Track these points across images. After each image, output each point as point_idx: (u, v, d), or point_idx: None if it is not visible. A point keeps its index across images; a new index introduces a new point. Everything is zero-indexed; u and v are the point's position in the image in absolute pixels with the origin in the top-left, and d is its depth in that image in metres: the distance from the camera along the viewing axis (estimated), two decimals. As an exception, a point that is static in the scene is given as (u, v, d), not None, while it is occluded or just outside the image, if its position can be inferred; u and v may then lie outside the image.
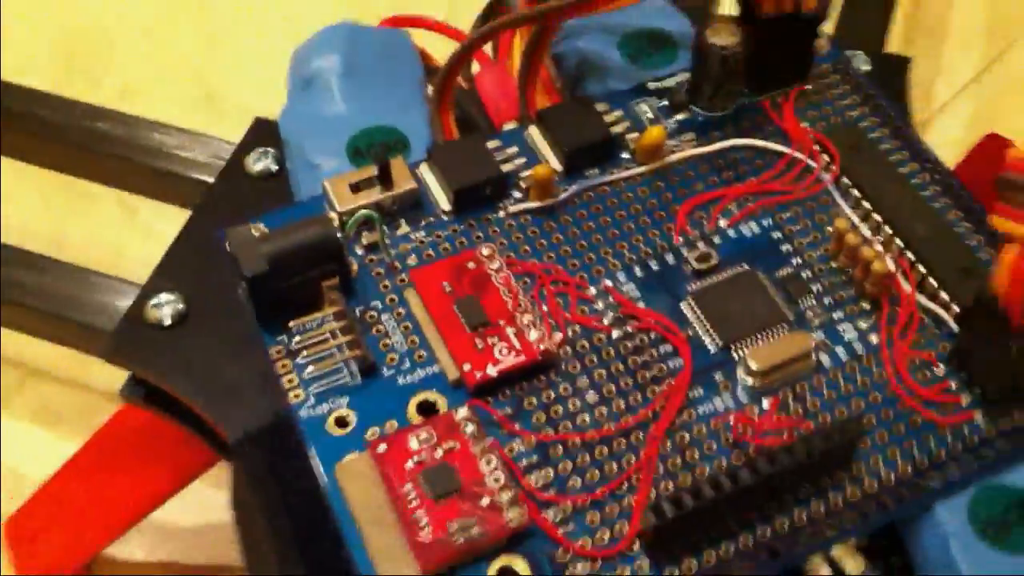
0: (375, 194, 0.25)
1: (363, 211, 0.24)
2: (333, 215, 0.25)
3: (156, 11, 0.48)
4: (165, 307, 0.26)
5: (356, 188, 0.25)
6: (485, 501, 0.21)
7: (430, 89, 0.28)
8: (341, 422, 0.23)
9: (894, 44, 0.47)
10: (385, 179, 0.25)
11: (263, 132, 0.29)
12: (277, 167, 0.29)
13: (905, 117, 0.29)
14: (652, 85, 0.28)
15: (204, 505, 0.34)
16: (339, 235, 0.23)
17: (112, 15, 0.48)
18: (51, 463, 0.32)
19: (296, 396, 0.23)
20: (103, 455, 0.32)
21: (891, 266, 0.24)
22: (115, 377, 0.28)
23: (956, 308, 0.23)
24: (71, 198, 0.41)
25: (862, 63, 0.30)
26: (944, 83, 0.46)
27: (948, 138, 0.44)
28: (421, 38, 0.32)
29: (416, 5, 0.33)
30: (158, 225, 0.38)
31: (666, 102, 0.28)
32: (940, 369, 0.23)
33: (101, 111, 0.34)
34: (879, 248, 0.24)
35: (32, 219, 0.41)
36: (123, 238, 0.41)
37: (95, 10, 0.48)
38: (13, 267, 0.32)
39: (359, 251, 0.25)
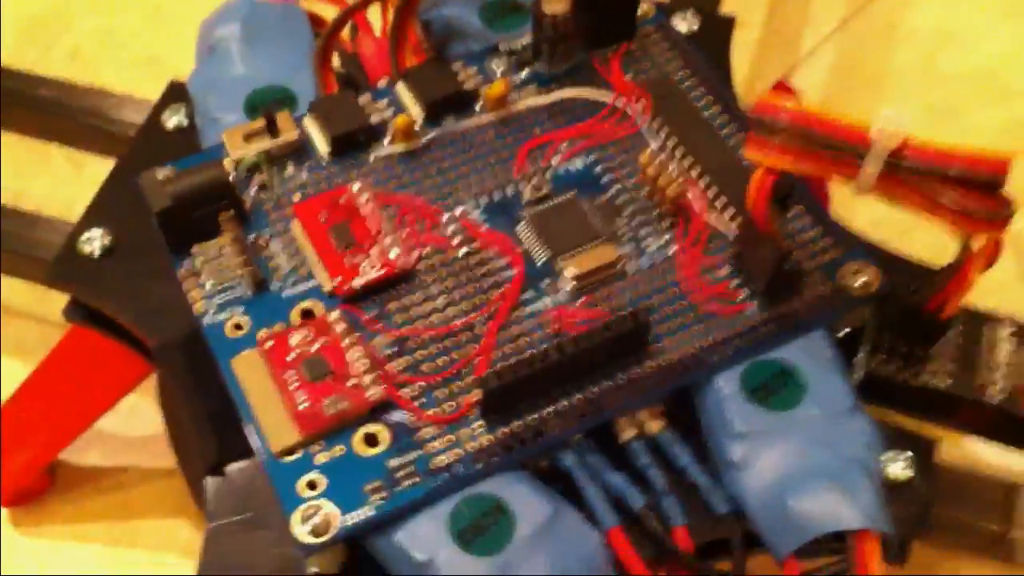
0: (264, 143, 0.30)
1: (252, 157, 0.29)
2: (228, 160, 0.30)
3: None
4: (95, 241, 0.31)
5: (248, 138, 0.30)
6: (352, 382, 0.26)
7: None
8: (237, 326, 0.28)
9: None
10: (272, 129, 0.30)
11: (177, 92, 0.34)
12: (188, 122, 0.33)
13: (720, 69, 0.34)
14: (503, 46, 0.33)
15: (147, 415, 0.38)
16: (231, 176, 0.29)
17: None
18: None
19: (200, 307, 0.28)
20: (54, 372, 0.37)
21: (682, 190, 0.29)
22: None
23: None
24: (30, 157, 0.46)
25: (690, 23, 0.35)
26: (811, 32, 0.51)
27: (812, 82, 0.49)
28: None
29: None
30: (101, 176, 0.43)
31: (514, 60, 0.32)
32: (723, 271, 0.28)
33: (52, 81, 0.39)
34: (676, 176, 0.29)
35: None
36: (73, 190, 0.46)
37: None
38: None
39: (253, 189, 0.30)
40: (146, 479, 0.39)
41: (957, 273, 0.26)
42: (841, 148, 0.24)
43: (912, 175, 0.24)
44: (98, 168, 0.44)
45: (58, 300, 0.36)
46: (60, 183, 0.46)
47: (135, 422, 0.39)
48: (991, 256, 0.26)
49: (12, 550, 0.38)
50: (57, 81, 0.39)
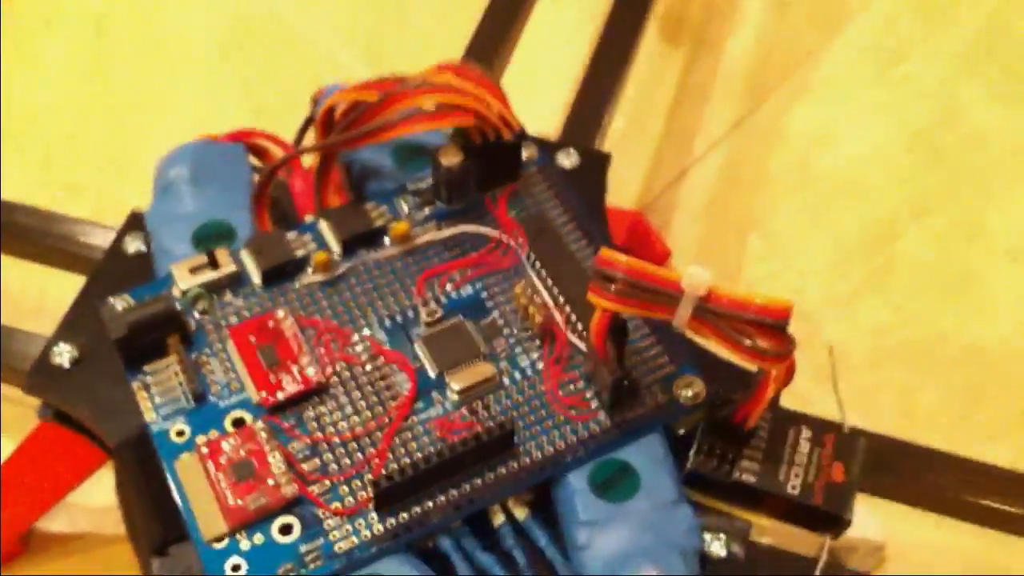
0: (207, 274, 0.36)
1: (195, 289, 0.35)
2: (177, 291, 0.35)
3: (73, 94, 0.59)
4: (64, 354, 0.36)
5: (193, 270, 0.36)
6: (271, 481, 0.32)
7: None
8: (180, 432, 0.33)
9: (662, 106, 0.58)
10: (213, 263, 0.36)
11: (136, 221, 0.39)
12: (146, 248, 0.38)
13: (595, 198, 0.40)
14: (410, 186, 0.38)
15: (108, 490, 0.44)
16: (178, 306, 0.35)
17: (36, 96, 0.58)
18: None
19: (150, 416, 0.34)
20: (26, 459, 0.41)
21: (548, 316, 0.35)
22: None
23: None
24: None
25: (571, 158, 0.41)
26: (703, 136, 0.57)
27: (701, 183, 0.56)
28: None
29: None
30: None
31: (419, 199, 0.38)
32: (580, 384, 0.34)
33: (20, 207, 0.44)
34: (544, 304, 0.35)
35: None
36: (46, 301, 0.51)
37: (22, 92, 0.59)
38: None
39: (196, 314, 0.35)
40: (106, 544, 0.43)
41: (756, 393, 0.32)
42: (661, 295, 0.31)
43: (717, 317, 0.31)
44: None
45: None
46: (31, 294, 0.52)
47: (96, 493, 0.44)
48: (785, 379, 0.32)
49: (-8, 607, 0.43)
50: (30, 208, 0.45)
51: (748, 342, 0.30)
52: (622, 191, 0.43)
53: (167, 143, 0.40)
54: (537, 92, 0.38)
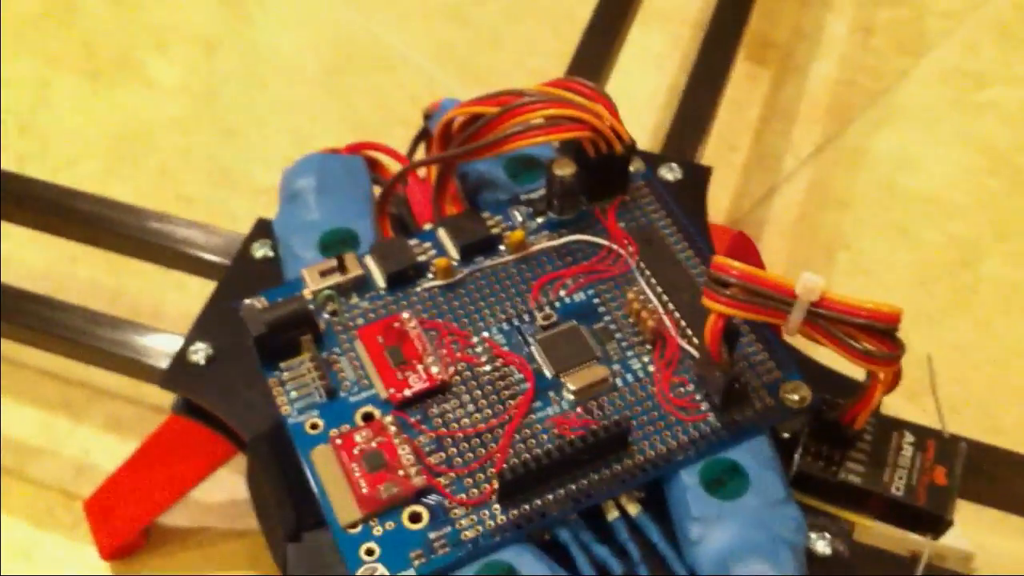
0: (335, 278, 0.38)
1: (326, 291, 0.37)
2: (308, 293, 0.38)
3: (185, 111, 0.62)
4: (200, 352, 0.38)
5: (323, 274, 0.38)
6: (401, 472, 0.34)
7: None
8: (314, 426, 0.35)
9: (750, 126, 0.60)
10: (341, 267, 0.38)
11: (262, 228, 0.42)
12: (273, 254, 0.41)
13: (697, 209, 0.42)
14: (523, 197, 0.40)
15: (229, 486, 0.46)
16: (311, 307, 0.37)
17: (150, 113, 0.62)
18: (119, 459, 0.44)
19: (286, 410, 0.36)
20: (154, 452, 0.43)
21: (659, 321, 0.37)
22: (160, 393, 0.40)
23: (704, 347, 0.36)
24: (128, 272, 0.54)
25: (674, 172, 0.43)
26: (791, 156, 0.59)
27: (789, 201, 0.57)
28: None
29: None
30: (188, 281, 0.51)
31: (531, 209, 0.40)
32: (690, 387, 0.36)
33: (148, 212, 0.47)
34: (655, 310, 0.37)
35: (97, 279, 0.54)
36: (162, 289, 0.54)
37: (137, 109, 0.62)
38: (87, 323, 0.45)
39: (326, 315, 0.38)
40: (223, 538, 0.46)
41: (864, 395, 0.33)
42: (774, 300, 0.32)
43: (828, 322, 0.32)
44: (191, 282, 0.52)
45: (148, 385, 0.43)
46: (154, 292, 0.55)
47: (215, 491, 0.47)
48: (892, 383, 0.33)
49: (113, 597, 0.45)
50: (159, 213, 0.48)
51: (859, 346, 0.31)
52: (713, 207, 0.44)
53: (273, 159, 0.43)
54: (630, 113, 0.40)
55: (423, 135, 0.44)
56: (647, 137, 0.54)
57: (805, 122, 0.59)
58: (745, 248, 0.43)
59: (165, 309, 0.52)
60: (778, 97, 0.60)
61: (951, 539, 0.43)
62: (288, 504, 0.35)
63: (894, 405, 0.37)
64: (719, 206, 0.55)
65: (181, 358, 0.39)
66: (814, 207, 0.56)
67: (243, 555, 0.46)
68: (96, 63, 0.64)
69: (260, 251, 0.41)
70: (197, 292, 0.43)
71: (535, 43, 0.63)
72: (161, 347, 0.43)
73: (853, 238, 0.55)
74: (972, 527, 0.45)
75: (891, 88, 0.61)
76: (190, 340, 0.39)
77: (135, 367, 0.44)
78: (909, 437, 0.35)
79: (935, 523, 0.34)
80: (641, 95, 0.57)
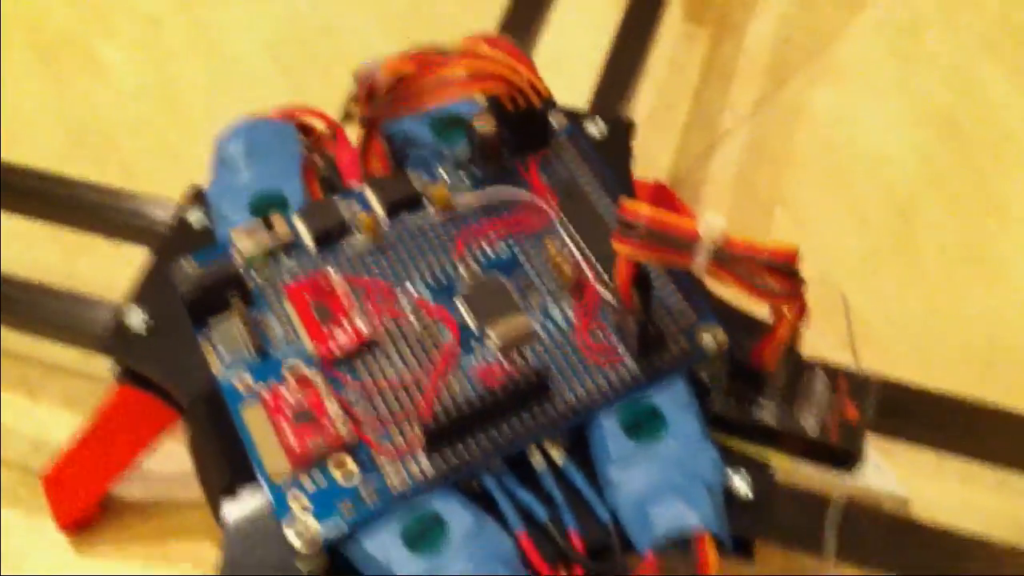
0: (263, 238, 0.39)
1: (254, 252, 0.38)
2: (236, 254, 0.39)
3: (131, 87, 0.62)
4: (138, 318, 0.39)
5: (251, 234, 0.39)
6: (328, 426, 0.35)
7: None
8: (244, 383, 0.36)
9: (689, 85, 0.60)
10: (269, 228, 0.39)
11: (197, 195, 0.42)
12: (207, 220, 0.41)
13: (621, 164, 0.42)
14: (448, 154, 0.41)
15: (182, 456, 0.45)
16: (239, 268, 0.38)
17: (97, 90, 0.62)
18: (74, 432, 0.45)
19: (216, 368, 0.37)
20: (102, 425, 0.44)
21: (578, 270, 0.38)
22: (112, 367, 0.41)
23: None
24: (79, 251, 0.54)
25: (599, 127, 0.43)
26: (729, 114, 0.59)
27: (727, 159, 0.58)
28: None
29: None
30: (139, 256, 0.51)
31: (456, 166, 0.41)
32: (609, 334, 0.37)
33: (89, 185, 0.48)
34: (574, 259, 0.38)
35: (50, 260, 0.54)
36: (115, 267, 0.54)
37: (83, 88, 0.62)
38: (34, 295, 0.46)
39: (254, 275, 0.38)
40: (179, 509, 0.47)
41: (771, 333, 0.34)
42: (679, 242, 0.33)
43: (733, 262, 0.33)
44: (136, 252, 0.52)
45: (101, 360, 0.44)
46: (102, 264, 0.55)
47: (170, 462, 0.47)
48: (797, 320, 0.34)
49: (70, 567, 0.45)
50: (97, 186, 0.48)
51: (761, 283, 0.32)
52: (651, 167, 0.45)
53: (219, 131, 0.43)
54: (565, 72, 0.41)
55: (353, 98, 0.45)
56: (583, 98, 0.55)
57: (743, 80, 0.60)
58: (666, 199, 0.43)
59: (117, 286, 0.53)
60: (716, 56, 0.61)
61: (885, 485, 0.44)
62: (223, 462, 0.36)
63: (827, 355, 0.38)
64: (659, 165, 0.56)
65: (119, 325, 0.39)
66: (752, 164, 0.56)
67: (200, 524, 0.46)
68: (43, 42, 0.64)
69: (194, 217, 0.42)
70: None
71: (473, 7, 0.63)
72: (103, 316, 0.43)
73: (792, 194, 0.55)
74: (907, 473, 0.46)
75: (828, 44, 0.61)
76: (127, 307, 0.39)
77: (82, 337, 0.44)
78: (822, 376, 0.36)
79: (848, 459, 0.35)
80: (577, 56, 0.57)
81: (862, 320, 0.39)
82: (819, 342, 0.39)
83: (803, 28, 0.62)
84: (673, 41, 0.60)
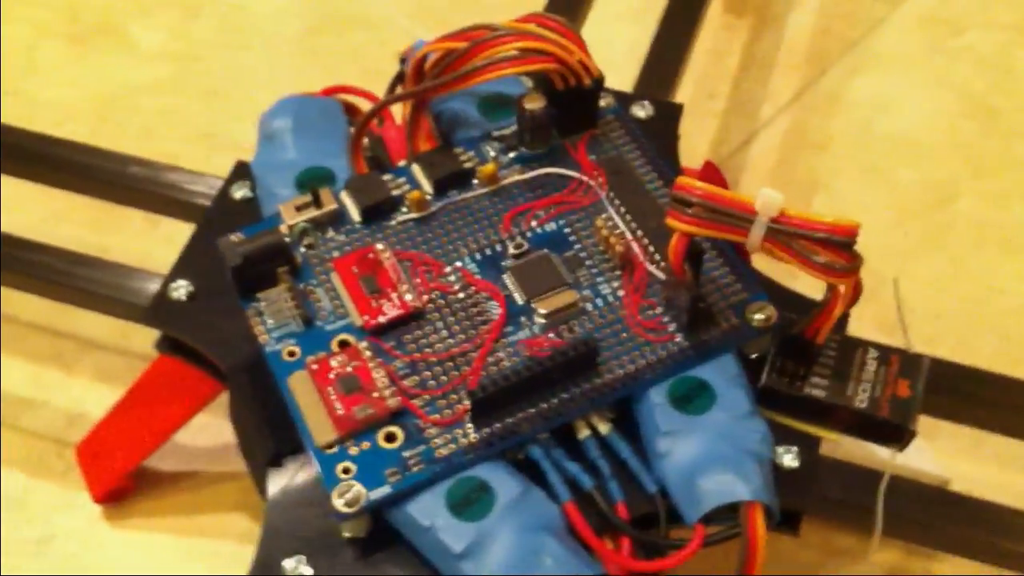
0: (311, 212, 0.39)
1: (301, 224, 0.38)
2: (284, 228, 0.38)
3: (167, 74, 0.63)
4: (181, 289, 0.39)
5: (299, 208, 0.39)
6: (375, 394, 0.35)
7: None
8: (291, 353, 0.36)
9: (729, 74, 0.60)
10: (317, 202, 0.39)
11: (241, 170, 0.42)
12: (252, 194, 0.41)
13: (668, 146, 0.42)
14: (495, 133, 0.41)
15: (216, 430, 0.47)
16: (286, 240, 0.38)
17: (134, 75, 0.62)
18: (108, 408, 0.46)
19: (263, 339, 0.37)
20: (141, 395, 0.45)
21: (628, 247, 0.37)
22: (148, 343, 0.41)
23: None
24: (112, 218, 0.55)
25: (645, 109, 0.43)
26: (769, 103, 0.59)
27: (767, 146, 0.58)
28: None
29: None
30: (175, 235, 0.52)
31: (503, 145, 0.41)
32: (658, 310, 0.37)
33: (132, 158, 0.48)
34: (624, 236, 0.38)
35: (84, 235, 0.55)
36: (148, 244, 0.55)
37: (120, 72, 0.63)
38: (73, 265, 0.47)
39: (302, 248, 0.38)
40: (212, 482, 0.48)
41: (825, 309, 0.34)
42: (735, 217, 0.33)
43: (788, 237, 0.33)
44: (170, 227, 0.53)
45: (135, 335, 0.44)
46: (136, 238, 0.55)
47: (203, 436, 0.48)
48: (852, 296, 0.34)
49: (103, 539, 0.46)
50: (141, 159, 0.49)
51: (819, 258, 0.32)
52: (692, 155, 0.45)
53: (254, 118, 0.43)
54: (604, 61, 0.40)
55: (400, 78, 0.45)
56: (624, 86, 0.55)
57: (783, 70, 0.60)
58: (715, 179, 0.43)
59: (152, 261, 0.53)
60: (756, 46, 0.61)
61: (926, 465, 0.44)
62: (267, 432, 0.36)
63: (868, 337, 0.38)
64: (698, 152, 0.56)
65: (162, 295, 0.39)
66: (792, 151, 0.56)
67: (232, 497, 0.47)
68: (80, 28, 0.64)
69: (239, 192, 0.42)
70: (183, 243, 0.44)
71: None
72: (146, 287, 0.44)
73: (830, 180, 0.55)
74: (947, 455, 0.46)
75: (867, 35, 0.61)
76: (171, 277, 0.40)
77: (120, 307, 0.44)
78: (873, 353, 0.36)
79: (899, 434, 0.35)
80: (618, 47, 0.58)
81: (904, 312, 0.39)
82: (859, 327, 0.39)
83: (842, 18, 0.62)
84: (714, 32, 0.60)
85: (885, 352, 0.36)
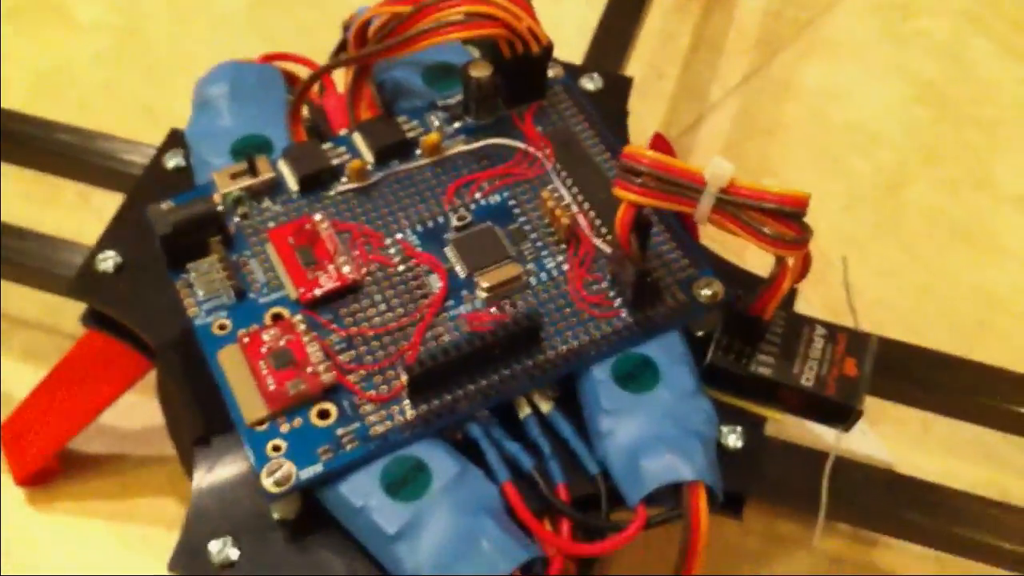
0: (246, 180, 0.37)
1: (235, 193, 0.37)
2: (217, 196, 0.37)
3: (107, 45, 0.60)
4: (109, 261, 0.37)
5: (234, 176, 0.37)
6: (309, 369, 0.33)
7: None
8: (222, 327, 0.35)
9: (679, 55, 0.59)
10: (253, 170, 0.37)
11: (175, 139, 0.41)
12: (185, 163, 0.40)
13: (617, 120, 0.41)
14: (440, 102, 0.40)
15: (145, 411, 0.45)
16: (219, 209, 0.36)
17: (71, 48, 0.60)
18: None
19: (193, 311, 0.35)
20: (67, 373, 0.43)
21: (574, 220, 0.36)
22: (77, 322, 0.39)
23: (617, 247, 0.36)
24: (43, 188, 0.53)
25: (595, 82, 0.42)
26: (718, 86, 0.59)
27: (716, 130, 0.57)
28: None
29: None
30: (108, 208, 0.50)
31: (448, 114, 0.40)
32: (604, 284, 0.36)
33: (63, 126, 0.46)
34: (570, 208, 0.37)
35: (14, 207, 0.53)
36: (80, 217, 0.53)
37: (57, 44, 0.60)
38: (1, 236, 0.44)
39: (236, 218, 0.37)
40: (140, 465, 0.46)
41: (774, 283, 0.33)
42: (684, 187, 0.32)
43: (737, 208, 0.32)
44: (102, 199, 0.51)
45: (66, 313, 0.42)
46: (69, 211, 0.53)
47: (132, 417, 0.46)
48: (802, 270, 0.33)
49: (27, 523, 0.44)
50: (72, 127, 0.47)
51: (768, 230, 0.31)
52: (640, 136, 0.44)
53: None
54: (556, 37, 0.39)
55: (343, 46, 0.43)
56: (573, 60, 0.54)
57: (733, 52, 0.59)
58: (664, 150, 0.42)
59: (84, 234, 0.51)
60: (707, 27, 0.60)
61: (873, 450, 0.43)
62: (196, 410, 0.35)
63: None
64: (647, 132, 0.54)
65: (89, 266, 0.38)
66: (741, 136, 0.56)
67: (161, 480, 0.45)
68: (16, 1, 0.62)
69: (172, 161, 0.40)
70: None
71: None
72: (74, 259, 0.42)
73: (780, 166, 0.55)
74: (894, 442, 0.46)
75: (818, 19, 0.61)
76: (98, 248, 0.38)
77: (47, 279, 0.42)
78: (820, 331, 0.35)
79: (845, 413, 0.34)
80: (568, 19, 0.57)
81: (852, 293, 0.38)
82: (807, 310, 0.38)
83: (794, 2, 0.61)
84: (664, 12, 0.59)
85: (832, 330, 0.35)
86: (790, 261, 0.32)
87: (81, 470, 0.45)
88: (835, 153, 0.55)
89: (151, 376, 0.41)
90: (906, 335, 0.49)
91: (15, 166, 0.48)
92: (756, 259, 0.36)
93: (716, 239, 0.37)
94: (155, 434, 0.46)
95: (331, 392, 0.33)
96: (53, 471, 0.45)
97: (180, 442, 0.38)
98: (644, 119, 0.55)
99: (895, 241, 0.53)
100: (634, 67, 0.55)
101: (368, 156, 0.38)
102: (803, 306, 0.37)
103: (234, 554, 0.32)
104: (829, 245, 0.52)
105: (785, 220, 0.31)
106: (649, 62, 0.57)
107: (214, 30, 0.61)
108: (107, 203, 0.47)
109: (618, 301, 0.35)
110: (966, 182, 0.55)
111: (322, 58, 0.43)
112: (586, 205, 0.37)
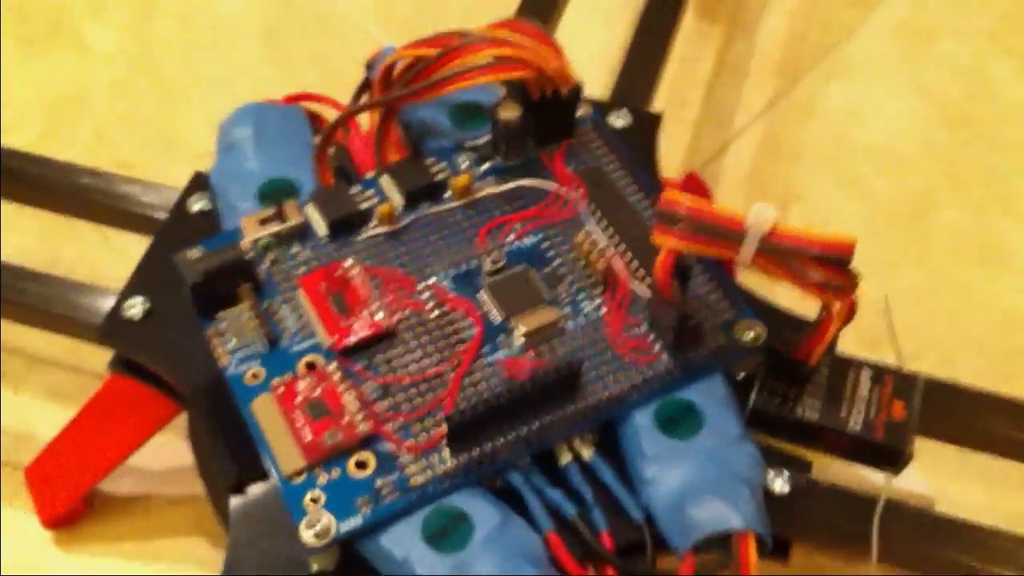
0: (275, 226, 0.37)
1: (264, 239, 0.36)
2: (246, 243, 0.37)
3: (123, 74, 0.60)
4: (136, 307, 0.37)
5: (262, 223, 0.37)
6: (345, 419, 0.33)
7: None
8: (254, 376, 0.34)
9: (702, 81, 0.59)
10: (281, 216, 0.37)
11: (200, 182, 0.40)
12: (210, 207, 0.39)
13: (647, 156, 0.41)
14: (468, 143, 0.39)
15: (173, 453, 0.44)
16: (248, 256, 0.35)
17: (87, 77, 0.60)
18: (60, 428, 0.43)
19: (224, 360, 0.35)
20: (95, 415, 0.42)
21: (610, 263, 0.36)
22: (101, 360, 0.39)
23: (655, 288, 0.36)
24: (62, 227, 0.52)
25: (623, 118, 0.42)
26: (743, 111, 0.58)
27: (741, 155, 0.56)
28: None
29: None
30: (127, 248, 0.49)
31: (477, 155, 0.39)
32: (642, 328, 0.35)
33: (82, 168, 0.45)
34: (605, 251, 0.36)
35: (31, 246, 0.52)
36: (99, 258, 0.53)
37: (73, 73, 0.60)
38: (19, 280, 0.44)
39: (265, 265, 0.36)
40: (169, 505, 0.45)
41: (819, 329, 0.32)
42: (725, 233, 0.31)
43: (780, 254, 0.31)
44: (123, 241, 0.50)
45: (89, 352, 0.42)
46: (88, 252, 0.53)
47: (159, 457, 0.45)
48: (847, 316, 0.32)
49: (52, 565, 0.43)
50: (92, 169, 0.46)
51: (813, 276, 0.31)
52: (665, 164, 0.43)
53: (213, 123, 0.41)
54: (576, 63, 0.39)
55: (366, 85, 0.43)
56: (597, 93, 0.54)
57: (756, 77, 0.59)
58: (697, 189, 0.42)
59: (102, 275, 0.50)
60: (729, 53, 0.60)
61: (912, 484, 0.43)
62: (229, 457, 0.34)
63: (850, 351, 0.37)
64: (672, 161, 0.54)
65: (116, 313, 0.37)
66: (766, 160, 0.55)
67: (188, 521, 0.44)
68: (31, 29, 0.62)
69: (197, 204, 0.40)
70: (136, 257, 0.42)
71: (480, 4, 0.62)
72: (98, 304, 0.41)
73: (806, 190, 0.54)
74: (932, 473, 0.45)
75: (841, 42, 0.60)
76: (125, 294, 0.38)
77: (71, 325, 0.42)
78: (866, 373, 0.35)
79: (894, 458, 0.33)
80: (590, 52, 0.56)
81: (880, 319, 0.37)
82: (839, 340, 0.37)
83: (816, 25, 0.61)
84: (686, 38, 0.58)
85: (879, 372, 0.35)
86: (836, 307, 0.32)
87: (108, 511, 0.45)
88: (860, 176, 0.55)
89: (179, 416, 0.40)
90: (939, 364, 0.49)
91: (32, 207, 0.48)
92: (788, 293, 0.35)
93: (750, 273, 0.36)
94: (182, 474, 0.45)
95: (368, 442, 0.33)
96: (80, 512, 0.44)
97: (212, 486, 0.37)
98: (669, 147, 0.54)
99: (922, 265, 0.52)
100: (657, 95, 0.55)
101: (397, 199, 0.38)
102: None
103: (274, 608, 0.32)
104: (856, 269, 0.51)
105: (830, 267, 0.31)
106: (672, 90, 0.57)
107: (229, 57, 0.60)
108: (128, 243, 0.46)
109: (658, 345, 0.35)
110: (993, 205, 0.54)
111: (340, 89, 0.42)
112: (622, 247, 0.36)
